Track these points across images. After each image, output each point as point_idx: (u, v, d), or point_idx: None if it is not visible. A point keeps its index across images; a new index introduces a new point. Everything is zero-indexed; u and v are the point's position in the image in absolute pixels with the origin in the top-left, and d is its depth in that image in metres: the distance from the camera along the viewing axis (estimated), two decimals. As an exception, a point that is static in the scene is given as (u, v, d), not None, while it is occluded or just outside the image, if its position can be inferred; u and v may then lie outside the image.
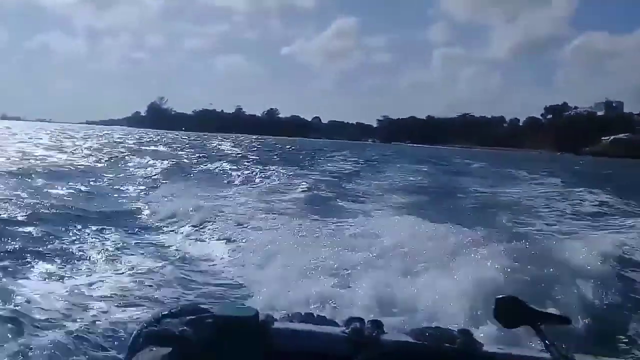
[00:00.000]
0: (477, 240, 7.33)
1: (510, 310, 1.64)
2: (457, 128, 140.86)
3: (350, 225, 9.54)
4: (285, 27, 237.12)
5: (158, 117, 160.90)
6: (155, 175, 19.12)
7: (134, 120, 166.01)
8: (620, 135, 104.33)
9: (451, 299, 5.26)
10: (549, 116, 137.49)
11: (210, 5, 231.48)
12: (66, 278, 6.02)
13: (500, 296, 1.71)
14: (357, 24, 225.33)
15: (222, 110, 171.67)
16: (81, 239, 7.97)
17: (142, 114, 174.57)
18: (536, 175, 25.68)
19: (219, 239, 8.82)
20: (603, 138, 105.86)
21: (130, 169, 21.56)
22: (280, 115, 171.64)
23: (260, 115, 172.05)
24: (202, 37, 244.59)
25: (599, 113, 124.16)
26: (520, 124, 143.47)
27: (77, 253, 7.15)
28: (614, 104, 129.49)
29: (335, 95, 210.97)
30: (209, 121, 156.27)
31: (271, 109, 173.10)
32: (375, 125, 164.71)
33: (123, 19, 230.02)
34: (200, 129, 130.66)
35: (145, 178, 18.24)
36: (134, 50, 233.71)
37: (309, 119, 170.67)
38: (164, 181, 17.01)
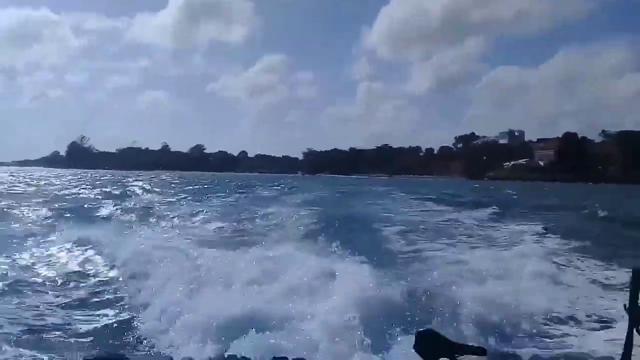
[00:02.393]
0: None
1: (429, 343, 1.73)
2: (377, 158, 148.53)
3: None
4: (212, 62, 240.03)
5: (79, 157, 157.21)
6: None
7: (53, 161, 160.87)
8: (520, 161, 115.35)
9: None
10: (459, 145, 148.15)
11: (134, 42, 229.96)
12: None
13: (420, 330, 1.84)
14: (284, 60, 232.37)
15: (147, 148, 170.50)
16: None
17: (62, 154, 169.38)
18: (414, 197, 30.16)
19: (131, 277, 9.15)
20: (505, 164, 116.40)
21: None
22: (206, 151, 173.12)
23: (186, 151, 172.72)
24: (125, 74, 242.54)
25: (502, 141, 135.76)
26: (435, 153, 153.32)
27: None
28: (516, 133, 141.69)
29: (262, 130, 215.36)
30: (133, 159, 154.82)
31: (197, 145, 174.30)
32: (301, 158, 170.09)
33: (42, 58, 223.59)
34: (125, 168, 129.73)
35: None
36: (53, 89, 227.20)
37: (236, 154, 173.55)
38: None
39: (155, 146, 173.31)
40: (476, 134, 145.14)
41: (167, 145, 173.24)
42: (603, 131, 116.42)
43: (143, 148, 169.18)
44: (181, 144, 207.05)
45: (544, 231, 15.52)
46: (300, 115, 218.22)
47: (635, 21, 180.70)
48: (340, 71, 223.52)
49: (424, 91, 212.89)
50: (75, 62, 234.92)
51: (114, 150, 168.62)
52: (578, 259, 11.58)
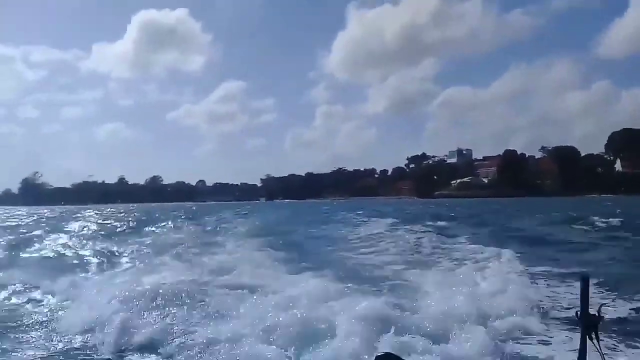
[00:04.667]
0: None
1: None
2: (332, 182, 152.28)
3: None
4: (170, 92, 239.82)
5: (32, 193, 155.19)
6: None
7: (4, 198, 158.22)
8: (465, 179, 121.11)
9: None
10: (412, 165, 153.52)
11: (90, 73, 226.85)
12: None
13: (379, 354, 1.93)
14: (243, 87, 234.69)
15: (103, 181, 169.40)
16: None
17: (14, 191, 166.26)
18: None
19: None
20: (452, 182, 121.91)
21: None
22: (164, 182, 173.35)
23: (143, 183, 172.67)
24: (81, 106, 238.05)
25: (451, 160, 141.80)
26: (389, 174, 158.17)
27: None
28: (464, 152, 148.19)
29: (220, 158, 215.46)
30: (90, 193, 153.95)
31: (154, 176, 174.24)
32: (259, 184, 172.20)
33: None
34: (81, 202, 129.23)
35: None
36: (4, 124, 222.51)
37: (194, 183, 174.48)
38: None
39: (112, 179, 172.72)
40: (427, 154, 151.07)
41: (124, 178, 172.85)
42: (542, 147, 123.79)
43: (99, 181, 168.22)
44: (138, 176, 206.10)
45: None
46: (260, 141, 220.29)
47: (579, 37, 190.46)
48: (299, 96, 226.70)
49: (382, 112, 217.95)
50: (28, 96, 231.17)
51: (69, 185, 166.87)
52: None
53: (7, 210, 67.55)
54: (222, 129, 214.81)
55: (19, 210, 68.55)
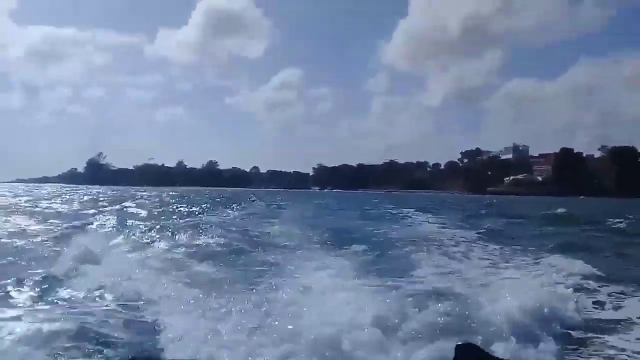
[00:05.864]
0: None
1: (469, 357, 1.77)
2: (383, 173, 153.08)
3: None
4: (230, 78, 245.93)
5: (96, 174, 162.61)
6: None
7: (70, 177, 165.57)
8: (519, 176, 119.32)
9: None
10: (465, 160, 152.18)
11: (153, 57, 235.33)
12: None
13: (460, 343, 1.92)
14: (301, 75, 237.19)
15: (162, 164, 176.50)
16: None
17: (79, 170, 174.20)
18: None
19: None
20: (505, 179, 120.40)
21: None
22: (220, 167, 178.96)
23: (200, 167, 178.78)
24: (144, 89, 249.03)
25: (505, 156, 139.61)
26: (442, 168, 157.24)
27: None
28: (520, 148, 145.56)
29: (276, 145, 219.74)
30: (150, 175, 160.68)
31: (211, 161, 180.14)
32: (311, 173, 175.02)
33: (63, 74, 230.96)
34: (141, 183, 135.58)
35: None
36: (72, 105, 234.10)
37: (248, 170, 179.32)
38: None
39: (171, 162, 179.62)
40: (482, 149, 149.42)
41: (183, 162, 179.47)
42: (602, 146, 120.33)
43: (159, 164, 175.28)
44: (196, 159, 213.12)
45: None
46: (315, 130, 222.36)
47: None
48: (356, 85, 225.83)
49: (439, 104, 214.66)
50: (94, 78, 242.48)
51: (131, 167, 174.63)
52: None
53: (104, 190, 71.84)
54: (278, 116, 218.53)
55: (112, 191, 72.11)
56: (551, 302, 6.88)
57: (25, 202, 34.92)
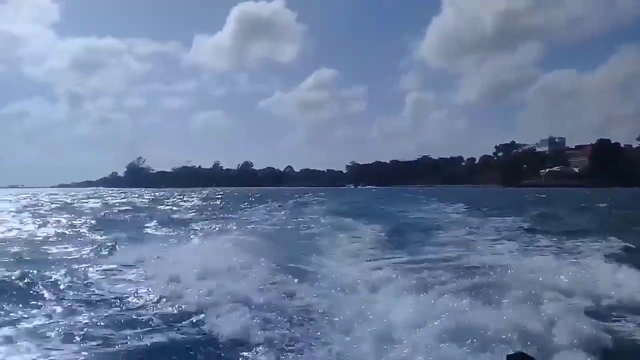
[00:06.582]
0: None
1: None
2: (417, 169, 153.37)
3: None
4: (264, 81, 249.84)
5: (136, 177, 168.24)
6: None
7: (111, 181, 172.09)
8: (555, 168, 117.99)
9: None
10: (500, 154, 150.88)
11: (189, 64, 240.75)
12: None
13: (511, 353, 1.84)
14: (334, 76, 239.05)
15: (199, 166, 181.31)
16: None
17: (120, 174, 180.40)
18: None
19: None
20: (541, 171, 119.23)
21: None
22: (255, 168, 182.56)
23: (236, 168, 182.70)
24: (180, 96, 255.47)
25: (541, 149, 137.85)
26: (476, 162, 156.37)
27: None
28: (556, 140, 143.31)
29: (309, 145, 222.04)
30: (188, 177, 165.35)
31: (246, 162, 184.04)
32: (344, 171, 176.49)
33: (104, 84, 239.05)
34: (180, 185, 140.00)
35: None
36: (112, 113, 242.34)
37: (282, 169, 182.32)
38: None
39: (208, 164, 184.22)
40: (517, 142, 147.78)
41: (219, 163, 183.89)
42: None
43: (197, 166, 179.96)
44: (231, 161, 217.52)
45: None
46: (348, 129, 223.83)
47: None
48: (389, 84, 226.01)
49: (473, 100, 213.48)
50: (134, 87, 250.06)
51: (169, 170, 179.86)
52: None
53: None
54: (311, 117, 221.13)
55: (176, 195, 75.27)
56: None
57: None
